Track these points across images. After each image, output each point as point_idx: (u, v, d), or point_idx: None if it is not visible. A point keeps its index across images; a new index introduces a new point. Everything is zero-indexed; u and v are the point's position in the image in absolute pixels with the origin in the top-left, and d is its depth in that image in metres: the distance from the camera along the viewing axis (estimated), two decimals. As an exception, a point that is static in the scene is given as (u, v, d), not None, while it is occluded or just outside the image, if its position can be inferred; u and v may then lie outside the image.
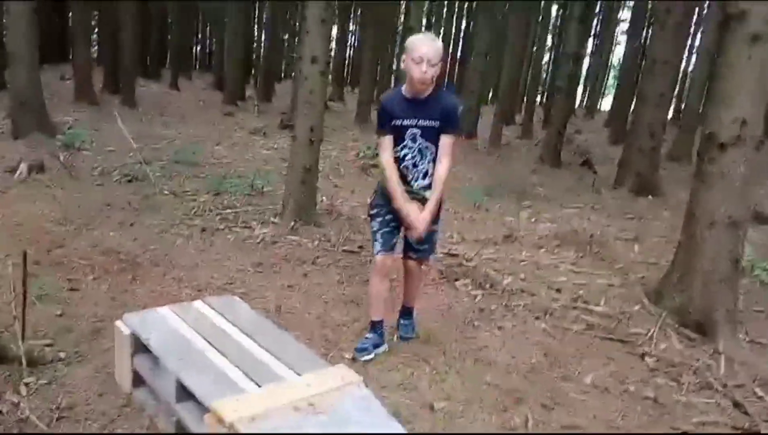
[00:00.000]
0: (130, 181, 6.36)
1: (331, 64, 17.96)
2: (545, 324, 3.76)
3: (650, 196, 8.97)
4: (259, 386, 2.12)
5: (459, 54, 37.85)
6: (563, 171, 11.21)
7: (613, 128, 19.44)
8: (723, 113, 3.87)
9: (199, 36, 33.00)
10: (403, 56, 2.84)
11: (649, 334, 3.71)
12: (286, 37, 23.95)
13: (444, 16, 37.06)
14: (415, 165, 2.96)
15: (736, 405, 2.99)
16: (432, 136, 2.90)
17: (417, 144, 2.92)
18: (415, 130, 2.90)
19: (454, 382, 2.89)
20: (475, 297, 4.08)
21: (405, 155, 2.95)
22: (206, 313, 2.65)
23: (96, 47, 20.50)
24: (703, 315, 3.85)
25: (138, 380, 2.52)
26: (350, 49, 29.25)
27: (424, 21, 22.76)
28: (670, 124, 21.24)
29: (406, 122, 2.89)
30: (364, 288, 4.05)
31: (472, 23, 28.91)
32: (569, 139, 13.38)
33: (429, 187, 2.97)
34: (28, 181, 5.79)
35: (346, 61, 27.94)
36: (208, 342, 2.40)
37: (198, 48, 33.44)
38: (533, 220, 6.76)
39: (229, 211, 5.52)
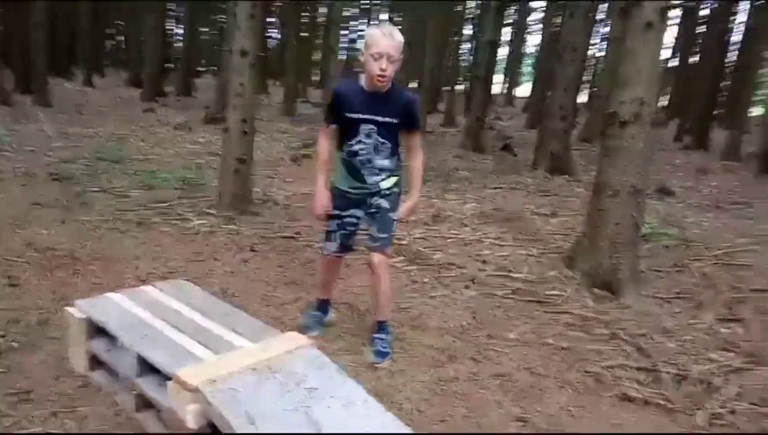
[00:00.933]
0: (56, 179, 6.24)
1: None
2: (473, 291, 4.10)
3: (565, 175, 9.63)
4: (218, 355, 2.29)
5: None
6: (485, 155, 11.75)
7: (530, 114, 20.40)
8: (623, 94, 4.32)
9: (110, 32, 31.68)
10: (362, 50, 2.76)
11: (565, 295, 4.13)
12: (207, 30, 23.45)
13: (364, 8, 37.27)
14: (369, 161, 2.86)
15: (640, 350, 3.41)
16: (389, 132, 2.81)
17: (372, 140, 2.82)
18: (371, 127, 2.79)
19: (393, 345, 3.16)
20: (408, 272, 4.38)
21: (359, 150, 2.85)
22: (158, 296, 2.78)
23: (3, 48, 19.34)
24: (611, 275, 4.31)
25: (94, 363, 2.62)
26: (273, 42, 28.99)
27: (347, 13, 22.92)
28: (585, 108, 22.50)
29: (361, 117, 2.78)
30: (304, 269, 4.27)
31: (392, 15, 29.28)
32: (490, 126, 13.99)
33: (384, 181, 2.91)
34: (-54, 184, 5.59)
35: (269, 55, 27.66)
36: (164, 320, 2.55)
37: (110, 45, 32.13)
38: (459, 201, 7.15)
39: (162, 204, 5.55)
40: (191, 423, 2.01)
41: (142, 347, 2.33)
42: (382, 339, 3.06)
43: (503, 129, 16.36)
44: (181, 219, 5.19)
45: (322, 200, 2.95)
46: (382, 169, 2.89)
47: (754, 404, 2.84)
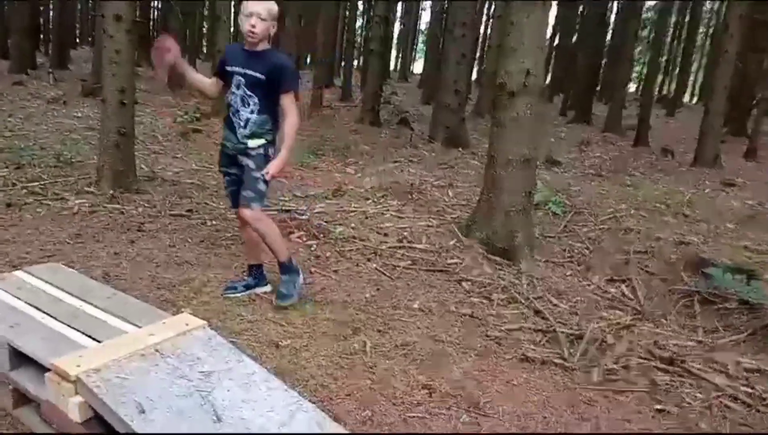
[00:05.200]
0: None
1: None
2: (375, 264, 4.07)
3: (460, 148, 9.86)
4: (99, 341, 2.09)
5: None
6: (383, 129, 11.77)
7: (424, 89, 20.70)
8: (511, 65, 4.41)
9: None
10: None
11: (464, 263, 4.20)
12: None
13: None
14: (237, 111, 3.08)
15: (537, 312, 3.55)
16: (256, 88, 3.03)
17: (240, 91, 3.05)
18: (240, 79, 3.04)
19: (296, 321, 3.06)
20: (310, 247, 4.27)
21: (230, 102, 3.11)
22: (30, 281, 2.50)
23: None
24: (506, 242, 4.44)
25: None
26: (156, 12, 27.21)
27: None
28: (476, 84, 23.16)
29: (234, 69, 3.06)
30: (198, 249, 4.04)
31: (284, -14, 28.42)
32: (386, 100, 14.02)
33: (250, 137, 3.07)
34: None
35: (152, 24, 25.96)
36: (37, 308, 2.29)
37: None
38: (359, 175, 7.09)
39: (35, 184, 5.03)
40: (75, 416, 1.82)
41: (13, 337, 2.08)
42: (284, 281, 3.28)
43: (399, 104, 16.48)
44: (57, 199, 4.73)
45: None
46: (248, 123, 3.07)
47: (644, 358, 3.03)
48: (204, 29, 30.32)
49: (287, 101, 3.04)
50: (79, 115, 9.33)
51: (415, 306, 3.44)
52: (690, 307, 3.80)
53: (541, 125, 4.78)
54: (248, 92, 3.03)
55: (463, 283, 3.88)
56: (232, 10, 13.39)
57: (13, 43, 15.56)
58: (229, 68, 3.08)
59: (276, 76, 3.00)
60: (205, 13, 26.89)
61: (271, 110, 3.07)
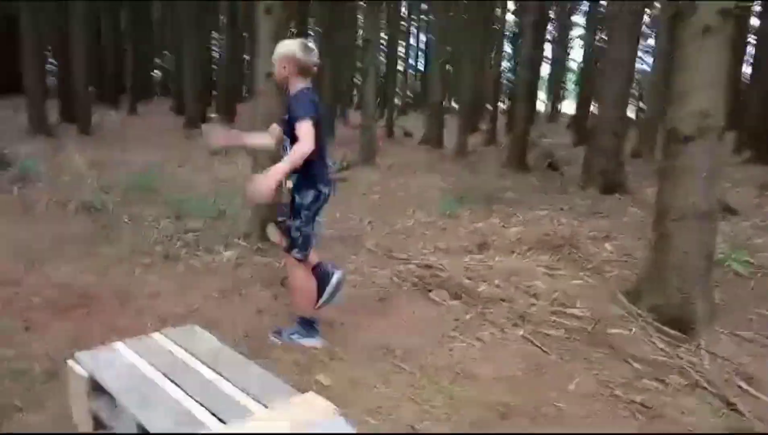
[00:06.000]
0: (86, 210, 6.09)
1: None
2: (524, 331, 3.66)
3: (617, 194, 9.04)
4: (224, 422, 1.95)
5: (418, 65, 38.14)
6: (530, 174, 11.25)
7: (575, 130, 19.76)
8: (683, 107, 3.86)
9: (158, 61, 32.55)
10: None
11: (630, 335, 3.64)
12: (245, 57, 23.73)
13: (401, 28, 37.37)
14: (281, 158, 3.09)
15: (728, 404, 2.91)
16: (286, 129, 3.14)
17: (284, 137, 3.20)
18: (282, 124, 3.21)
19: (434, 399, 2.76)
20: (450, 308, 3.96)
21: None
22: (165, 346, 2.46)
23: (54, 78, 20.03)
24: (681, 311, 3.79)
25: (98, 423, 2.32)
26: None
27: (382, 33, 22.82)
28: (633, 122, 21.70)
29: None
30: (341, 309, 3.90)
31: (429, 36, 29.12)
32: (534, 143, 13.47)
33: (290, 178, 3.13)
34: (-24, 218, 5.49)
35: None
36: (168, 377, 2.22)
37: (158, 74, 32.99)
38: (504, 224, 6.69)
39: (190, 235, 5.30)
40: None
41: (142, 412, 2.01)
42: (294, 328, 3.32)
43: (548, 146, 15.80)
44: (208, 251, 4.92)
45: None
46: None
47: None
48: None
49: (299, 130, 2.93)
50: (239, 166, 9.96)
51: (572, 388, 2.98)
52: None
53: (720, 171, 4.11)
54: (285, 136, 3.16)
55: (630, 361, 3.32)
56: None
57: (188, 99, 17.38)
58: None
59: (290, 112, 3.05)
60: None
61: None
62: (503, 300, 4.11)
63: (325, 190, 3.18)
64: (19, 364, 2.90)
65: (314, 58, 3.15)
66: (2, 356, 2.94)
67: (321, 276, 3.28)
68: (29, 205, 6.08)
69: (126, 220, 5.78)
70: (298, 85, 3.12)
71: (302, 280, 3.24)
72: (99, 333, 3.31)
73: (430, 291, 4.19)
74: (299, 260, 3.18)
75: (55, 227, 5.36)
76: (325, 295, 3.27)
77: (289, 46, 3.13)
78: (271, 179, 2.88)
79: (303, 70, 3.11)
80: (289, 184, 3.14)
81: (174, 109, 21.70)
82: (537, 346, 3.46)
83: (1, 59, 21.40)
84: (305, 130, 2.92)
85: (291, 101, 3.09)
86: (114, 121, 17.03)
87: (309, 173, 3.09)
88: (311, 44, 3.23)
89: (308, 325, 3.32)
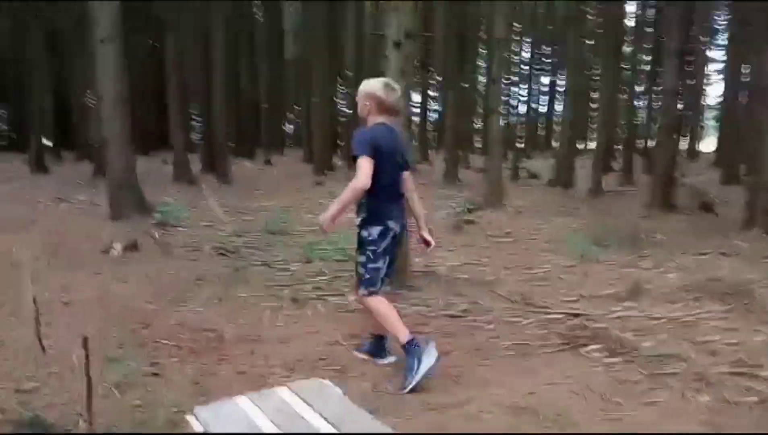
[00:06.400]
0: (221, 254, 6.22)
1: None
2: (706, 397, 3.01)
3: (789, 236, 7.82)
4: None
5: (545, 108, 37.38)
6: (677, 216, 10.17)
7: (723, 168, 17.96)
8: None
9: (290, 115, 34.59)
10: None
11: None
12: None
13: (526, 70, 36.93)
14: None
15: None
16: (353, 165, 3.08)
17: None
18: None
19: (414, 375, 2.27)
20: (610, 366, 3.39)
21: None
22: (290, 402, 2.20)
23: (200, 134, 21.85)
24: None
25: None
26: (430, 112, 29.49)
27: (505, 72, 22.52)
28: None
29: None
30: (475, 359, 3.50)
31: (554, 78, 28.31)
32: (682, 182, 12.27)
33: (360, 214, 3.17)
34: (121, 260, 5.76)
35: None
36: (289, 438, 1.95)
37: (290, 127, 35.02)
38: (658, 270, 5.92)
39: (320, 278, 5.17)
40: None
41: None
42: (406, 366, 3.04)
43: (697, 185, 14.38)
44: (337, 294, 4.73)
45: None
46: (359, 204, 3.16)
47: None
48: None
49: (357, 166, 2.98)
50: (364, 210, 9.94)
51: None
52: None
53: None
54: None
55: None
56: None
57: (316, 148, 18.06)
58: None
59: (351, 150, 3.05)
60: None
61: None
62: (674, 357, 3.46)
63: (394, 226, 3.15)
64: (142, 413, 2.78)
65: (396, 98, 3.17)
66: (128, 404, 2.84)
67: (412, 351, 3.04)
68: (169, 248, 6.32)
69: (257, 263, 5.81)
70: (374, 122, 3.16)
71: (380, 308, 3.16)
72: (226, 380, 3.17)
73: (583, 346, 3.64)
74: (365, 296, 3.17)
75: (190, 270, 5.47)
76: (417, 376, 2.99)
77: (372, 84, 3.18)
78: (327, 214, 3.03)
79: (384, 108, 3.14)
80: (357, 220, 3.18)
81: (305, 159, 22.67)
82: (725, 416, 2.81)
83: (152, 118, 23.75)
84: (359, 166, 2.97)
85: (353, 138, 3.09)
86: (250, 171, 18.05)
87: (374, 209, 3.12)
88: (395, 84, 3.25)
89: (411, 349, 3.05)
